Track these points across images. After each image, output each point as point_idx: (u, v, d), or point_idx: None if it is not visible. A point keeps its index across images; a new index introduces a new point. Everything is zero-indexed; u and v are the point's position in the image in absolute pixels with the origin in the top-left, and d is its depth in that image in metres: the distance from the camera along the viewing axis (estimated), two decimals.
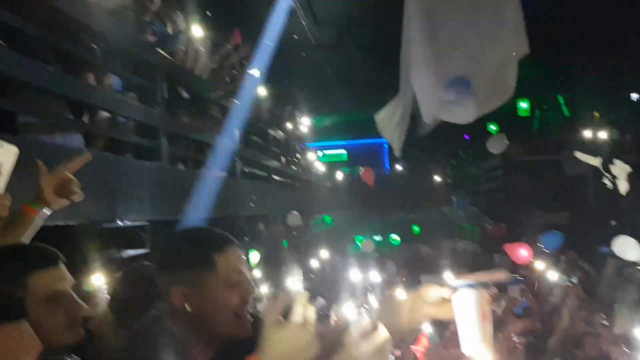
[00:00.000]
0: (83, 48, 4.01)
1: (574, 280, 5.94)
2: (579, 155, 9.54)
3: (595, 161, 9.34)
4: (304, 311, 1.19)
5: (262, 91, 7.84)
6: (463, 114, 5.54)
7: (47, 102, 3.55)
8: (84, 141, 3.93)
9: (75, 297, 1.50)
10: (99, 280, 3.85)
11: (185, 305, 1.40)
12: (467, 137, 14.22)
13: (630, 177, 9.28)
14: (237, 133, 6.96)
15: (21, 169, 2.69)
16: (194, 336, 1.43)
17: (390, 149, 14.29)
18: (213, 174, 6.38)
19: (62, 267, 1.51)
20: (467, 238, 11.16)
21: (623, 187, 9.25)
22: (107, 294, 3.96)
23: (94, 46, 4.16)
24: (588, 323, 4.64)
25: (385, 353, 1.18)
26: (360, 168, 14.63)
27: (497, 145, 8.23)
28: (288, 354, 1.16)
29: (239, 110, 7.03)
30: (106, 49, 4.27)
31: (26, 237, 1.71)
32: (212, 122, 6.35)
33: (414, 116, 7.65)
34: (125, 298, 2.37)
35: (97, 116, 4.11)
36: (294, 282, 4.78)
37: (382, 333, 1.18)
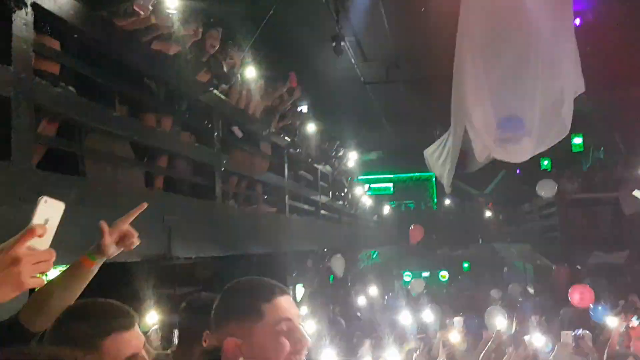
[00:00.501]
0: (145, 91, 4.20)
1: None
2: (637, 193, 9.16)
3: None
4: None
5: (311, 127, 7.95)
6: (517, 152, 5.46)
7: (111, 143, 3.71)
8: (144, 180, 4.08)
9: (146, 356, 1.52)
10: (154, 318, 3.92)
11: (238, 357, 1.41)
12: (519, 172, 13.92)
13: None
14: (286, 169, 7.07)
15: (86, 209, 2.81)
16: None
17: (439, 183, 14.14)
18: (263, 210, 6.47)
19: (137, 328, 1.53)
20: (519, 276, 10.81)
21: None
22: (161, 330, 4.03)
23: (155, 89, 4.36)
24: None
25: None
26: (411, 226, 14.45)
27: (547, 188, 8.00)
28: None
29: (289, 147, 7.16)
30: (166, 92, 4.45)
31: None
32: (263, 159, 6.47)
33: (465, 152, 7.58)
34: (183, 329, 2.36)
35: (157, 156, 4.27)
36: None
37: None
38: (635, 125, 9.57)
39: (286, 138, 7.12)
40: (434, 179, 16.59)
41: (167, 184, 4.40)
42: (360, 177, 12.91)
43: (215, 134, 5.08)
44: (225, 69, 5.15)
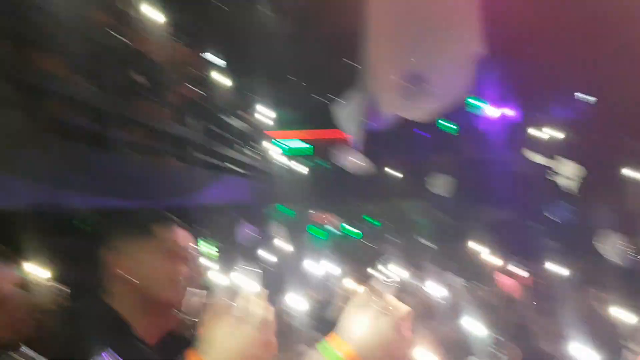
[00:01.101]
0: (35, 26, 3.87)
1: None
2: (529, 154, 9.86)
3: (542, 160, 9.70)
4: (250, 306, 1.16)
5: (222, 79, 7.75)
6: (420, 110, 5.64)
7: None
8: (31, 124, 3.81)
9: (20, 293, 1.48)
10: (41, 268, 3.72)
11: (123, 272, 1.41)
12: (425, 134, 14.47)
13: (581, 177, 9.66)
14: (194, 121, 6.88)
15: None
16: (135, 312, 1.43)
17: (353, 142, 14.35)
18: (168, 163, 6.30)
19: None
20: (424, 232, 11.37)
21: (575, 187, 9.62)
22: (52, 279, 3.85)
23: (46, 25, 4.02)
24: None
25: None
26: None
27: (441, 186, 8.22)
28: (229, 350, 1.11)
29: (197, 98, 6.96)
30: (58, 29, 4.13)
31: None
32: (168, 109, 6.25)
33: (375, 111, 7.75)
34: (70, 280, 2.33)
35: (46, 99, 3.99)
36: (246, 276, 4.68)
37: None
38: (535, 88, 10.20)
39: (194, 89, 6.92)
40: (349, 138, 16.80)
41: (59, 131, 4.14)
42: (276, 134, 12.85)
43: (116, 80, 4.83)
44: (127, 12, 4.88)
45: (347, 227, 14.97)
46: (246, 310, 1.14)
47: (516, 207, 9.84)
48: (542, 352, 4.17)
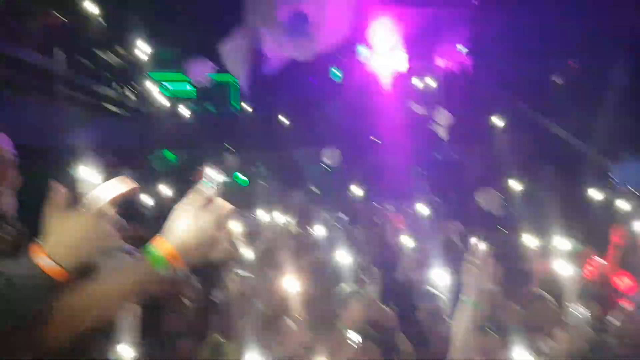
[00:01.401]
0: None
1: None
2: (411, 102, 10.31)
3: (423, 111, 10.21)
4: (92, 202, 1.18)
5: (92, 8, 7.07)
6: (303, 48, 5.62)
7: None
8: None
9: None
10: None
11: None
12: (313, 81, 14.51)
13: (451, 125, 10.27)
14: (61, 53, 6.27)
15: None
16: None
17: (241, 86, 14.03)
18: (28, 97, 5.73)
19: None
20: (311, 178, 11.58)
21: (444, 133, 10.24)
22: None
23: None
24: None
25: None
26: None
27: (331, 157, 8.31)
28: (70, 241, 1.14)
29: (63, 26, 6.34)
30: None
31: None
32: (29, 38, 5.65)
33: (262, 53, 7.61)
34: None
35: None
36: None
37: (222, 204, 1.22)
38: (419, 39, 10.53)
39: (61, 17, 6.29)
40: (237, 82, 16.39)
41: None
42: (157, 74, 12.16)
43: None
44: None
45: (234, 174, 14.85)
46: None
47: (398, 153, 10.29)
48: (409, 279, 4.48)
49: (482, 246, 2.68)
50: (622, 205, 6.30)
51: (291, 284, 3.09)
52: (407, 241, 4.99)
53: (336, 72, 12.53)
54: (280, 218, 5.51)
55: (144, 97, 10.35)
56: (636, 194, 7.30)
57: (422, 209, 6.90)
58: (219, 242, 1.21)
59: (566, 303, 3.18)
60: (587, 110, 8.49)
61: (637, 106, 7.82)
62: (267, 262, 4.01)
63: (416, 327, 3.61)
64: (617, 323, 3.13)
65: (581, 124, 8.66)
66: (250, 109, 16.08)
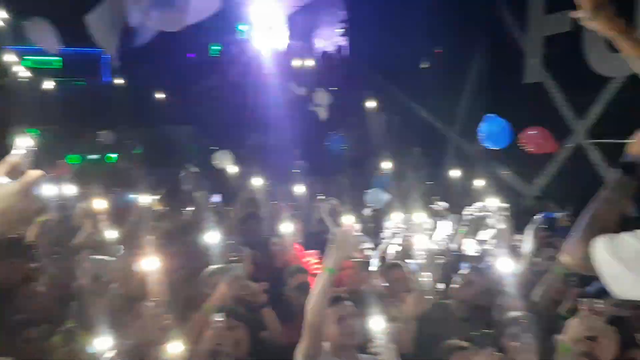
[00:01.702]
0: None
1: None
2: (290, 83, 10.36)
3: (302, 91, 10.32)
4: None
5: None
6: (169, 21, 5.34)
7: None
8: None
9: None
10: None
11: None
12: (191, 55, 14.04)
13: (330, 105, 10.52)
14: None
15: None
16: None
17: (110, 59, 13.17)
18: None
19: None
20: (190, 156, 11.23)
21: (323, 113, 10.44)
22: None
23: None
24: None
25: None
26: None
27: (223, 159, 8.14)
28: None
29: None
30: None
31: None
32: None
33: (130, 24, 7.15)
34: None
35: None
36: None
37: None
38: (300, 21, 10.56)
39: None
40: (107, 55, 15.34)
41: None
42: (21, 47, 11.02)
43: None
44: None
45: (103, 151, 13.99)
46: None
47: (275, 133, 10.33)
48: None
49: (347, 218, 2.78)
50: (479, 184, 6.88)
51: (152, 265, 2.99)
52: (283, 221, 5.04)
53: (215, 49, 12.23)
54: (148, 198, 5.29)
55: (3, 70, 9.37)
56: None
57: (299, 188, 7.02)
58: (26, 211, 1.18)
59: (417, 272, 3.45)
60: (450, 95, 9.12)
61: (495, 93, 8.53)
62: (131, 243, 3.84)
63: (285, 303, 3.69)
64: (457, 287, 3.44)
65: (444, 108, 9.28)
66: (122, 83, 15.22)
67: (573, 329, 2.74)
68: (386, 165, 7.99)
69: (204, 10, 5.45)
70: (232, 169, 7.31)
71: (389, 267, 4.25)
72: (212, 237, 3.90)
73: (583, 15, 1.80)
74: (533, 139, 5.68)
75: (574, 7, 1.81)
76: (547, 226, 4.78)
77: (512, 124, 7.63)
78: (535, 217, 5.68)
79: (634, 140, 1.55)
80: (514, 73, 7.93)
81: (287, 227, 4.69)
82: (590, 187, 1.73)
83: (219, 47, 12.12)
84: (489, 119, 6.45)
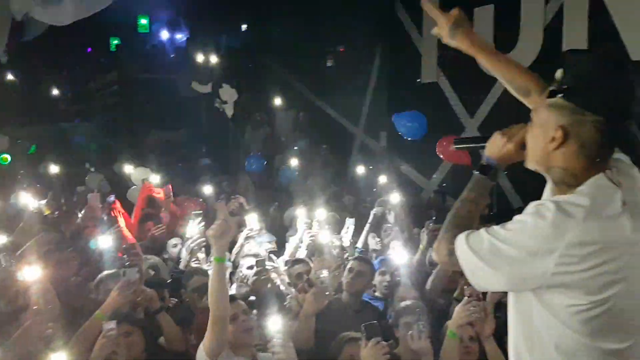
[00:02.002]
0: None
1: None
2: (194, 85, 10.11)
3: (206, 89, 10.11)
4: None
5: None
6: (57, 15, 5.07)
7: None
8: None
9: None
10: None
11: None
12: (89, 50, 13.27)
13: (237, 102, 10.40)
14: None
15: None
16: None
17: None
18: None
19: None
20: (84, 155, 10.62)
21: (230, 110, 10.30)
22: None
23: None
24: None
25: None
26: None
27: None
28: None
29: None
30: None
31: None
32: None
33: (23, 19, 6.69)
34: None
35: None
36: None
37: None
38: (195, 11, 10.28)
39: None
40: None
41: None
42: None
43: None
44: None
45: None
46: None
47: (179, 130, 10.06)
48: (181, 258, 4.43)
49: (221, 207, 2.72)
50: (382, 180, 7.10)
51: (34, 275, 2.81)
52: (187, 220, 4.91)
53: (115, 43, 11.63)
54: (37, 202, 4.97)
55: None
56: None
57: (204, 186, 6.89)
58: None
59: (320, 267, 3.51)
60: (354, 93, 9.33)
61: (395, 91, 8.84)
62: (16, 251, 3.59)
63: (184, 307, 3.61)
64: (348, 280, 3.56)
65: (349, 105, 9.48)
66: (12, 80, 14.11)
67: (458, 315, 2.92)
68: (293, 162, 8.05)
69: (96, 4, 5.20)
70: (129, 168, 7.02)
71: (294, 263, 4.30)
72: (104, 242, 3.74)
73: (442, 32, 1.93)
74: (447, 149, 5.95)
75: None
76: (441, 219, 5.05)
77: None
78: (431, 211, 6.00)
79: (490, 143, 1.67)
80: (412, 73, 8.26)
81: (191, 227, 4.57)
82: None
83: (119, 41, 11.55)
84: (409, 114, 6.74)
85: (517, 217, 1.48)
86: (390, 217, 5.52)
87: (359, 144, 9.69)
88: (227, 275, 3.26)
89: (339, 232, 5.14)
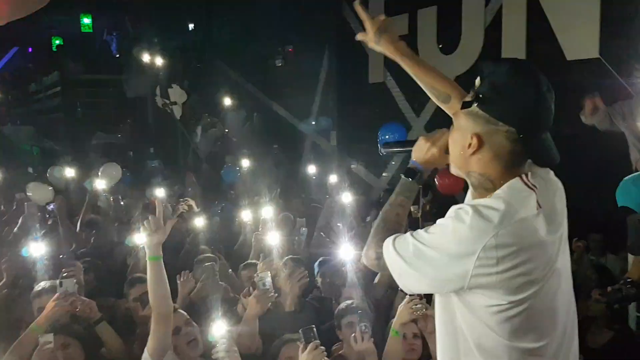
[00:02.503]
0: None
1: None
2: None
3: (155, 88, 9.91)
4: None
5: None
6: None
7: None
8: None
9: None
10: None
11: None
12: (31, 50, 12.78)
13: (185, 103, 10.23)
14: None
15: None
16: None
17: None
18: None
19: None
20: (26, 159, 10.23)
21: (178, 111, 10.13)
22: None
23: None
24: None
25: None
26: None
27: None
28: None
29: None
30: None
31: None
32: None
33: None
34: None
35: None
36: None
37: None
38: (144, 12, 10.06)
39: None
40: None
41: None
42: None
43: None
44: None
45: None
46: None
47: (126, 131, 9.81)
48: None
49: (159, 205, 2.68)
50: (333, 179, 7.13)
51: None
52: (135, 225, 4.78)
53: (56, 43, 11.21)
54: None
55: None
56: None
57: (152, 188, 6.75)
58: None
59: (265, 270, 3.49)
60: (304, 92, 9.35)
61: (344, 91, 8.90)
62: None
63: (126, 316, 3.52)
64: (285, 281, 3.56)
65: (299, 105, 9.49)
66: None
67: (401, 313, 2.96)
68: (244, 162, 7.98)
69: (32, 4, 4.97)
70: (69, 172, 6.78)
71: (243, 267, 4.26)
72: (38, 250, 3.60)
73: (367, 38, 1.96)
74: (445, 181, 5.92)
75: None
76: None
77: (360, 121, 8.05)
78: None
79: (415, 148, 1.70)
80: (360, 73, 8.33)
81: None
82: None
83: (61, 41, 11.15)
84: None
85: (439, 221, 1.52)
86: (340, 216, 5.56)
87: (310, 144, 9.71)
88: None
89: (291, 233, 5.13)
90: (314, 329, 2.45)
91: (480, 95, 1.48)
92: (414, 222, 5.37)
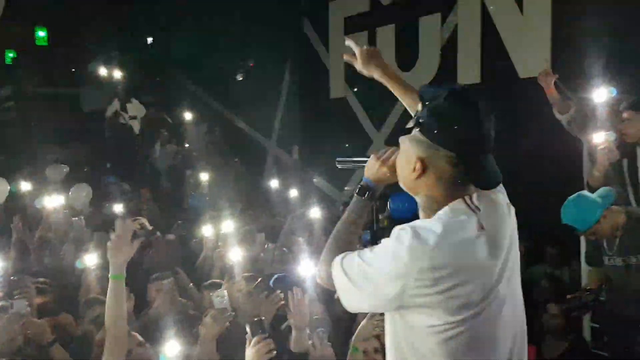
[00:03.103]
0: None
1: None
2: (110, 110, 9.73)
3: (112, 108, 9.75)
4: None
5: None
6: None
7: None
8: None
9: None
10: None
11: None
12: None
13: (144, 118, 10.07)
14: None
15: None
16: None
17: None
18: None
19: None
20: None
21: (137, 126, 9.96)
22: None
23: None
24: None
25: None
26: None
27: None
28: None
29: None
30: None
31: None
32: None
33: None
34: None
35: None
36: None
37: None
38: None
39: None
40: None
41: None
42: None
43: None
44: None
45: None
46: None
47: (82, 146, 9.57)
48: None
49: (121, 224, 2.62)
50: (294, 193, 7.14)
51: None
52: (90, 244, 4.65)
53: (10, 56, 10.85)
54: None
55: None
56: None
57: (110, 205, 6.60)
58: None
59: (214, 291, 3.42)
60: (265, 107, 9.36)
61: (306, 106, 8.96)
62: None
63: (82, 338, 3.42)
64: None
65: (261, 119, 9.49)
66: None
67: (363, 329, 2.97)
68: (204, 176, 7.89)
69: None
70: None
71: (206, 287, 4.16)
72: None
73: (354, 61, 2.13)
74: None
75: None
76: None
77: (322, 135, 8.11)
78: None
79: (367, 165, 1.73)
80: (322, 88, 8.41)
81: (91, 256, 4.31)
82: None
83: (14, 55, 10.80)
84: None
85: (383, 241, 1.54)
86: (302, 230, 5.56)
87: (272, 158, 9.71)
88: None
89: (252, 248, 5.08)
90: (263, 322, 2.41)
91: (421, 121, 1.52)
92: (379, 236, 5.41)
